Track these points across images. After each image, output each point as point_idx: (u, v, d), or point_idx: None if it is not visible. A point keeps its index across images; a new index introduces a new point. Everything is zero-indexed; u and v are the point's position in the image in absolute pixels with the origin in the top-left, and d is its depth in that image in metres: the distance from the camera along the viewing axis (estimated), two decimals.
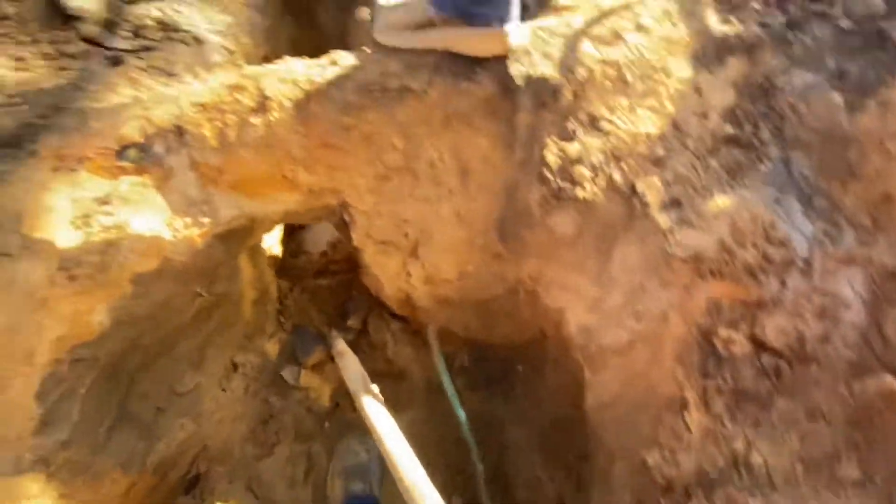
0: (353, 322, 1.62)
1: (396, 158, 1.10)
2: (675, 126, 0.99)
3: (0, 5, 1.63)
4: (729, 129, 0.99)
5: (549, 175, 1.01)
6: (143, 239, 1.00)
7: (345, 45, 2.79)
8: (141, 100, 1.12)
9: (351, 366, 1.32)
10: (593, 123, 1.01)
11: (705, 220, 0.92)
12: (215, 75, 1.91)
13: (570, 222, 1.02)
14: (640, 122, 0.99)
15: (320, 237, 2.21)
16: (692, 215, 0.92)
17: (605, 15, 1.11)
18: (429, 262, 1.23)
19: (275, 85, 1.05)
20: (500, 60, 1.04)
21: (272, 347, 1.61)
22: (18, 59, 1.58)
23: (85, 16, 1.75)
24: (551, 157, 1.01)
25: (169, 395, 1.28)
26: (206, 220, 1.08)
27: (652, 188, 0.94)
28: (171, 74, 1.62)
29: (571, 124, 1.02)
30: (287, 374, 1.51)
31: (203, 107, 1.04)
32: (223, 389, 1.41)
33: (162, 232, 1.03)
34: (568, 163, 1.00)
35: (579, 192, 0.99)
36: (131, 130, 1.04)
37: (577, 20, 1.11)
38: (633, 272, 0.96)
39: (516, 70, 1.03)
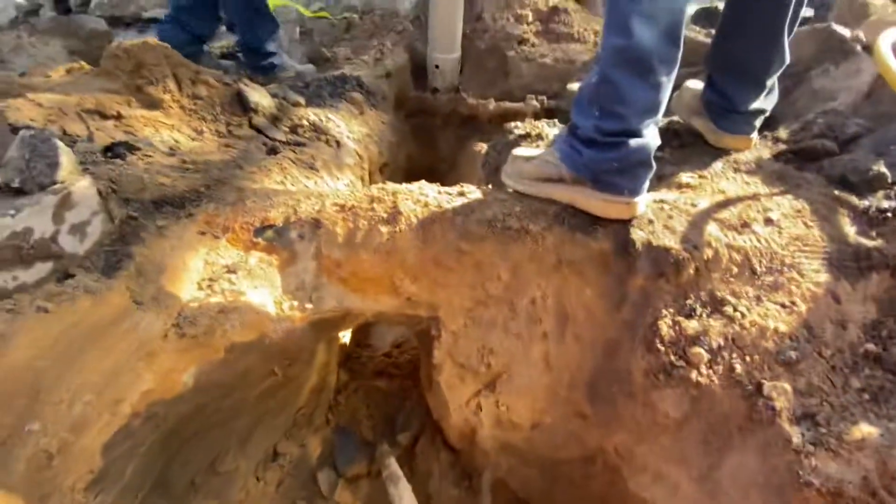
0: (402, 438, 1.52)
1: (499, 289, 1.11)
2: (809, 330, 0.92)
3: (198, 87, 2.03)
4: (871, 347, 0.90)
5: (660, 346, 0.95)
6: (252, 311, 1.05)
7: (454, 170, 3.08)
8: (291, 191, 1.26)
9: (406, 499, 1.20)
10: (715, 305, 0.96)
11: (846, 448, 0.79)
12: (359, 187, 2.17)
13: (677, 405, 0.93)
14: (769, 316, 0.93)
15: (388, 333, 2.23)
16: (831, 438, 0.80)
17: (731, 202, 1.13)
18: (504, 399, 1.16)
19: (408, 204, 1.15)
20: (622, 222, 1.07)
21: (315, 443, 1.53)
22: (197, 130, 1.91)
23: (260, 109, 2.13)
24: (665, 328, 0.97)
25: (207, 471, 1.22)
26: (309, 305, 1.13)
27: (781, 393, 0.84)
28: (312, 168, 1.86)
29: (691, 301, 0.98)
30: (323, 479, 1.41)
31: (342, 208, 1.16)
32: (258, 479, 1.33)
33: (269, 308, 1.08)
34: (684, 339, 0.94)
35: (693, 375, 0.91)
36: (277, 214, 1.16)
37: (702, 201, 1.14)
38: (748, 488, 0.82)
39: (637, 235, 1.05)
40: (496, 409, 1.18)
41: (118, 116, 1.72)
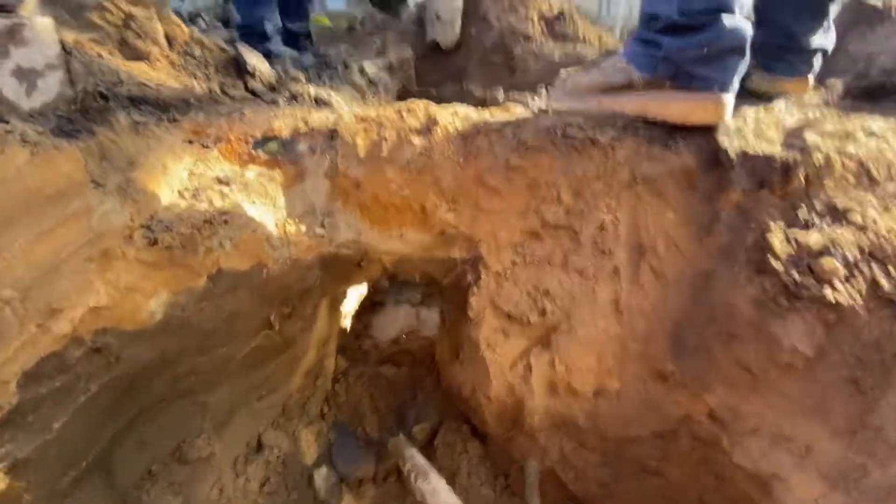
0: (418, 431, 1.24)
1: (558, 214, 0.91)
2: None
3: (191, 46, 1.85)
4: None
5: (775, 264, 0.75)
6: (248, 228, 0.82)
7: None
8: (302, 108, 1.06)
9: (442, 492, 0.91)
10: (837, 215, 0.78)
11: None
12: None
13: (808, 335, 0.71)
14: None
15: (391, 326, 1.95)
16: None
17: (819, 120, 0.97)
18: (562, 358, 0.92)
19: (445, 115, 0.96)
20: (705, 131, 0.90)
21: (308, 437, 1.23)
22: (185, 86, 1.71)
23: (257, 73, 1.94)
24: (778, 243, 0.77)
25: (171, 458, 0.92)
26: (321, 232, 0.89)
27: None
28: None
29: (804, 212, 0.79)
30: (320, 481, 1.10)
31: (365, 119, 0.95)
32: (237, 474, 1.03)
33: (270, 230, 0.85)
34: (806, 253, 0.74)
35: (828, 293, 0.70)
36: (282, 125, 0.95)
37: (787, 118, 0.98)
38: None
39: (727, 143, 0.87)
40: (550, 370, 0.94)
41: (97, 56, 1.52)
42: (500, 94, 2.62)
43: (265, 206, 0.87)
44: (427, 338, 1.64)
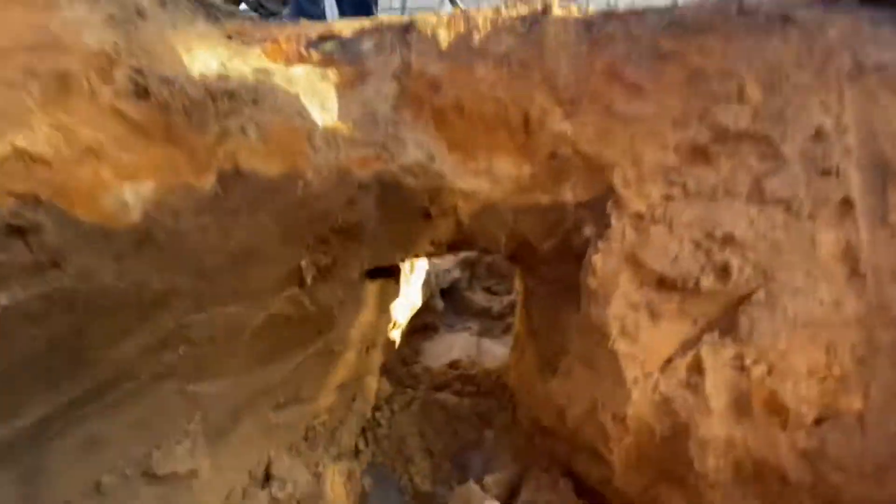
0: (491, 483, 0.84)
1: (742, 117, 0.59)
2: None
3: None
4: None
5: None
6: (284, 114, 0.57)
7: None
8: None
9: None
10: None
11: None
12: None
13: None
14: None
15: (444, 352, 1.58)
16: None
17: None
18: (761, 351, 0.56)
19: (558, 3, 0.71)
20: None
21: (335, 479, 0.87)
22: None
23: None
24: None
25: (134, 468, 0.60)
26: (382, 144, 0.63)
27: None
28: None
29: None
30: None
31: (451, 17, 0.72)
32: None
33: (314, 123, 0.59)
34: None
35: None
36: (343, 26, 0.74)
37: None
38: None
39: None
40: (738, 374, 0.57)
41: None
42: None
43: (313, 104, 0.63)
44: (491, 370, 1.27)
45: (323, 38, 0.73)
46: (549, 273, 0.79)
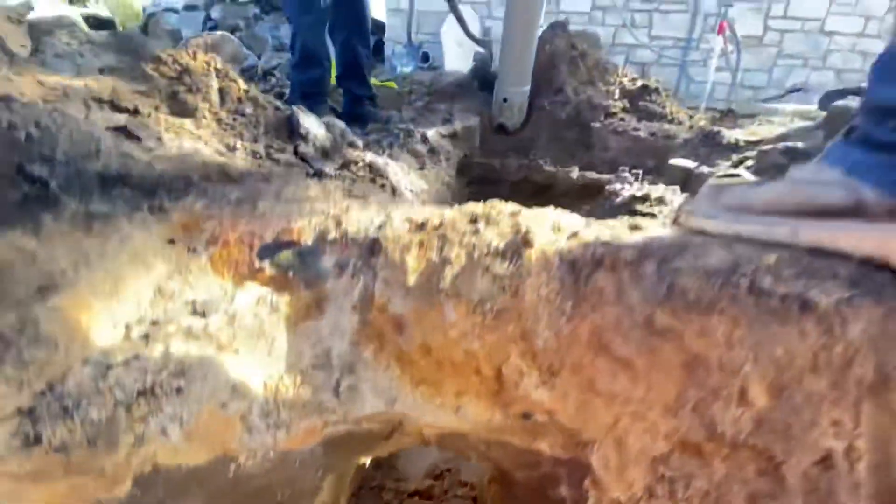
0: None
1: (744, 424, 0.52)
2: None
3: (244, 104, 1.71)
4: None
5: None
6: (213, 403, 0.49)
7: None
8: (338, 199, 0.78)
9: None
10: None
11: None
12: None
13: None
14: None
15: (420, 462, 1.54)
16: None
17: None
18: None
19: (542, 230, 0.62)
20: None
21: None
22: (229, 146, 1.53)
23: (310, 137, 1.76)
24: None
25: None
26: (332, 404, 0.56)
27: None
28: (366, 200, 1.41)
29: None
30: None
31: (421, 226, 0.64)
32: None
33: (251, 404, 0.52)
34: None
35: None
36: (305, 225, 0.65)
37: None
38: None
39: None
40: None
41: (133, 111, 1.36)
42: (575, 172, 2.32)
43: (255, 354, 0.56)
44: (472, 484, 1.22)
45: (279, 245, 0.65)
46: (522, 496, 0.72)
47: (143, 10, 4.36)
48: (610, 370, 0.55)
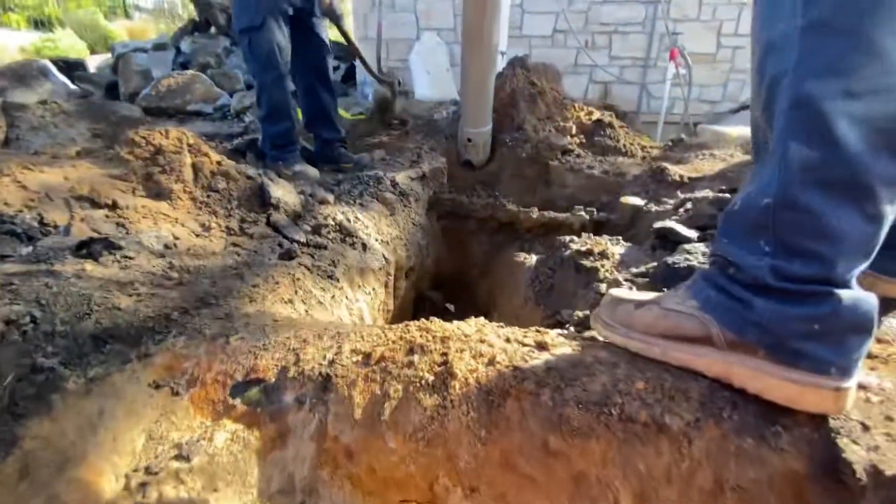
0: None
1: None
2: None
3: (216, 179, 1.82)
4: None
5: None
6: None
7: (486, 277, 2.76)
8: (297, 322, 0.90)
9: None
10: None
11: None
12: (382, 297, 1.83)
13: None
14: None
15: None
16: None
17: None
18: None
19: (465, 359, 0.77)
20: (819, 422, 0.66)
21: None
22: (204, 226, 1.64)
23: (281, 205, 1.88)
24: None
25: None
26: None
27: None
28: (331, 278, 1.53)
29: None
30: None
31: (366, 358, 0.78)
32: None
33: None
34: None
35: None
36: (270, 363, 0.78)
37: None
38: None
39: (852, 452, 0.63)
40: None
41: (112, 206, 1.47)
42: (535, 213, 2.48)
43: (231, 487, 0.69)
44: None
45: (247, 382, 0.78)
46: None
47: (112, 49, 4.38)
48: (517, 484, 0.70)
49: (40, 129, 2.05)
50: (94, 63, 5.26)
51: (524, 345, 0.83)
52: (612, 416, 0.68)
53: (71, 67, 3.89)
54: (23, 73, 3.53)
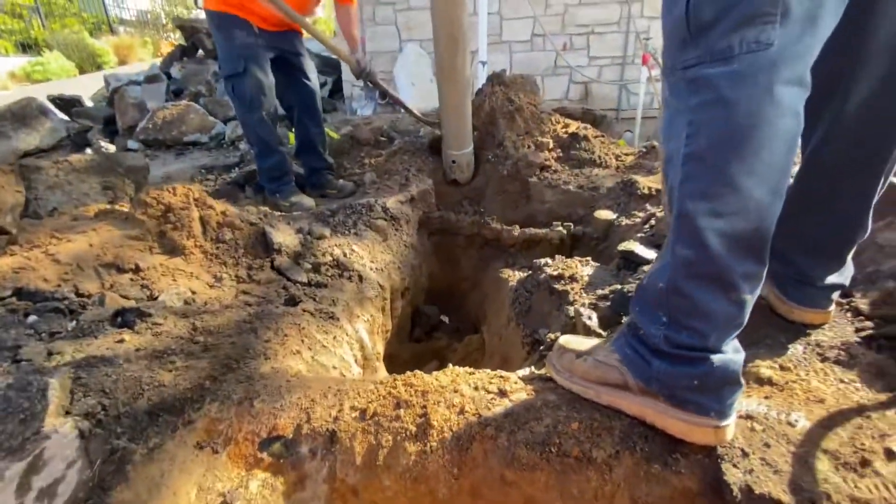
0: None
1: None
2: None
3: (222, 230, 2.01)
4: None
5: None
6: None
7: (477, 289, 2.96)
8: (307, 382, 1.11)
9: None
10: None
11: None
12: (379, 321, 2.03)
13: None
14: None
15: None
16: None
17: (835, 419, 0.92)
18: None
19: (440, 411, 0.98)
20: (709, 452, 0.87)
21: None
22: (216, 277, 1.84)
23: (283, 249, 2.08)
24: None
25: None
26: None
27: None
28: (332, 318, 1.74)
29: None
30: None
31: (362, 414, 0.99)
32: None
33: None
34: None
35: None
36: (287, 421, 0.99)
37: (799, 417, 0.93)
38: None
39: (732, 475, 0.84)
40: None
41: (136, 270, 1.67)
42: (517, 230, 2.67)
43: None
44: None
45: (271, 439, 0.99)
46: None
47: (106, 83, 4.51)
48: None
49: (56, 188, 2.24)
50: (86, 87, 5.38)
51: (489, 391, 1.04)
52: (552, 452, 0.90)
53: (68, 104, 4.04)
54: (23, 115, 3.69)
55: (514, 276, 2.36)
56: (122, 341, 1.22)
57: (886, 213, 1.54)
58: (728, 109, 0.70)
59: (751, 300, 0.82)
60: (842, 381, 1.04)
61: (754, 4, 0.66)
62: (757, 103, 0.69)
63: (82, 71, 8.30)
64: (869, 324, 1.22)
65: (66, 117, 4.06)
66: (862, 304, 1.31)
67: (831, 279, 1.16)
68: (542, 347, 1.65)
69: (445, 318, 2.95)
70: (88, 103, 4.37)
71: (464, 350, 2.41)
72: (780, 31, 0.66)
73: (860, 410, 0.95)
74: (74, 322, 1.32)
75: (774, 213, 0.76)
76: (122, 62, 9.00)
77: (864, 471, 0.83)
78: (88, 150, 3.56)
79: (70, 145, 3.51)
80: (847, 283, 1.20)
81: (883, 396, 0.99)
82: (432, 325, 2.83)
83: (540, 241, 2.61)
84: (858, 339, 1.17)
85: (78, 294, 1.47)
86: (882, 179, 0.98)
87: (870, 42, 0.88)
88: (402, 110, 3.36)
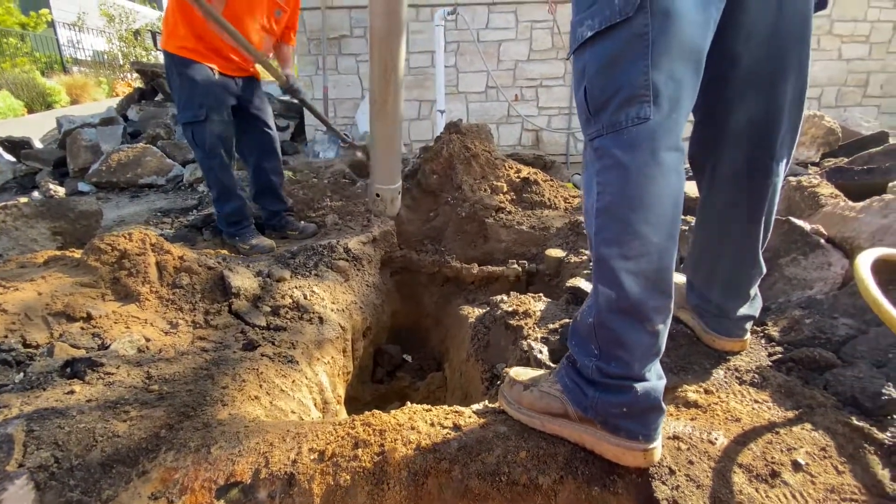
0: None
1: None
2: None
3: (179, 275, 2.00)
4: None
5: None
6: None
7: (439, 325, 3.02)
8: (264, 427, 1.13)
9: None
10: None
11: None
12: (340, 363, 2.04)
13: None
14: None
15: None
16: None
17: (750, 436, 1.05)
18: None
19: (397, 448, 1.02)
20: (642, 472, 0.96)
21: None
22: (172, 323, 1.82)
23: (242, 292, 2.08)
24: None
25: None
26: None
27: None
28: (291, 362, 1.75)
29: None
30: None
31: (321, 456, 1.01)
32: None
33: None
34: None
35: None
36: (245, 466, 1.00)
37: (719, 435, 1.05)
38: None
39: (661, 492, 0.92)
40: None
41: (87, 318, 1.63)
42: (475, 268, 2.79)
43: None
44: None
45: (228, 485, 0.99)
46: None
47: (59, 124, 4.41)
48: None
49: (2, 234, 2.16)
50: (38, 125, 5.21)
51: (444, 427, 1.10)
52: (502, 481, 0.96)
53: (16, 146, 3.90)
54: None
55: (473, 312, 2.44)
56: (71, 392, 1.20)
57: (790, 251, 1.77)
58: (624, 171, 0.85)
59: (664, 329, 0.94)
60: (756, 402, 1.17)
61: (633, 88, 0.82)
62: (645, 165, 0.84)
63: (31, 110, 8.04)
64: (779, 349, 1.39)
65: (13, 158, 3.92)
66: (774, 331, 1.48)
67: (742, 311, 1.33)
68: (499, 382, 1.72)
69: (408, 357, 2.97)
70: (38, 144, 4.24)
71: (426, 389, 2.43)
72: (654, 109, 0.83)
73: (771, 427, 1.08)
74: (22, 374, 1.28)
75: (672, 254, 0.90)
76: (74, 101, 8.79)
77: (774, 482, 0.95)
78: (35, 193, 3.44)
79: (16, 188, 3.38)
80: (757, 314, 1.36)
81: (791, 414, 1.13)
82: (395, 365, 2.84)
83: (497, 277, 2.74)
84: (770, 363, 1.32)
85: (25, 345, 1.42)
86: (762, 225, 1.17)
87: (728, 123, 1.10)
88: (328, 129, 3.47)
